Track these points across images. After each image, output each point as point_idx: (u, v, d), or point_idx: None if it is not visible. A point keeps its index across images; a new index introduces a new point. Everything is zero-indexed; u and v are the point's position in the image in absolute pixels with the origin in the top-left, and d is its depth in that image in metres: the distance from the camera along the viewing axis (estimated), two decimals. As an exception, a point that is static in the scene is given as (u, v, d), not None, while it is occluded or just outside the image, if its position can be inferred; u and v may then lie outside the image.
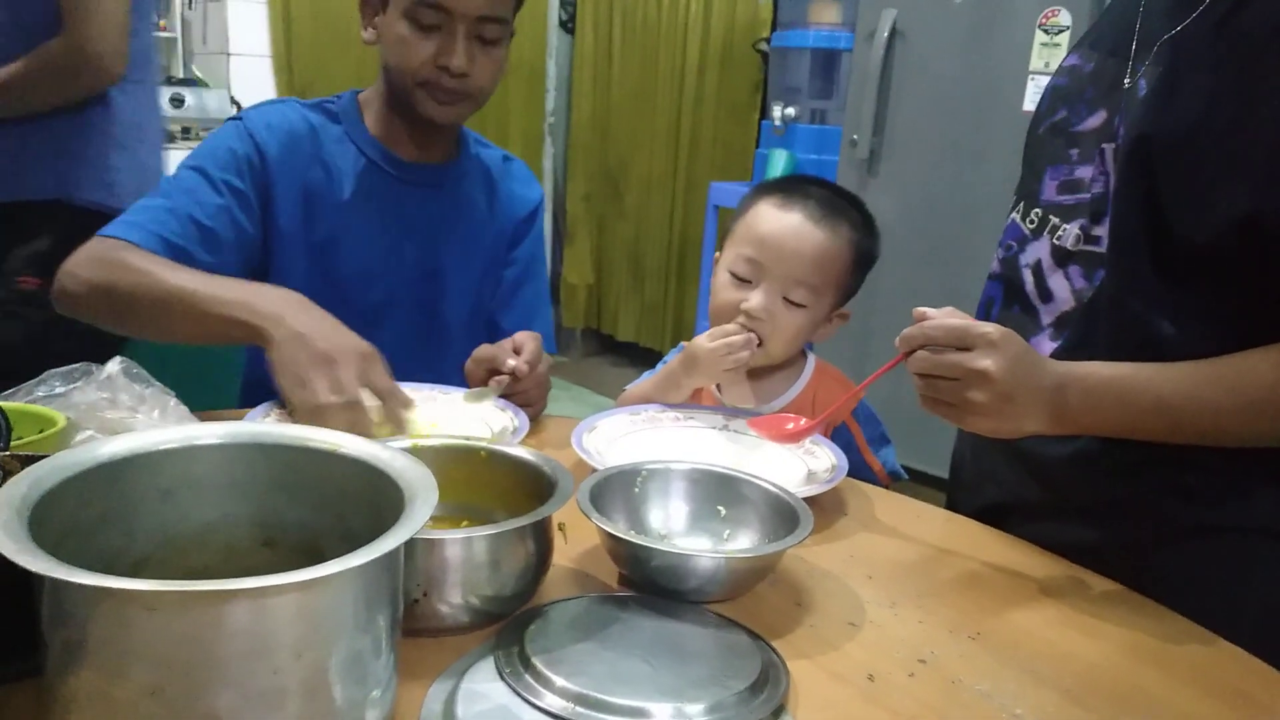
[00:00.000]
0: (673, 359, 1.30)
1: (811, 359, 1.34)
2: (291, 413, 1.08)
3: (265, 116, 1.40)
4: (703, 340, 1.22)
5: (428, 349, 1.46)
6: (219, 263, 1.28)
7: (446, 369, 1.39)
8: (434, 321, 1.49)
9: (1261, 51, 0.85)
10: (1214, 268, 0.90)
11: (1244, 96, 0.86)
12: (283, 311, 1.12)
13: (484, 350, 1.32)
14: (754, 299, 1.23)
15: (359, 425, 1.05)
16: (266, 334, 1.11)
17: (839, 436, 1.27)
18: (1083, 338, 1.00)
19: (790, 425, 1.13)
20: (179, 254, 1.24)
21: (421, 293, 1.47)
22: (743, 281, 1.25)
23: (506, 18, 1.37)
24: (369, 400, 1.08)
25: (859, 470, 1.24)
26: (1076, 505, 1.03)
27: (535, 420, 1.31)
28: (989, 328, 0.90)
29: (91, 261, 1.22)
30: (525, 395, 1.30)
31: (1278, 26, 0.85)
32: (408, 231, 1.45)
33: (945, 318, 0.92)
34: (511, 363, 1.27)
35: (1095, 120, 1.01)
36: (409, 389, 1.25)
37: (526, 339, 1.32)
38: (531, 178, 1.63)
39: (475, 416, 1.24)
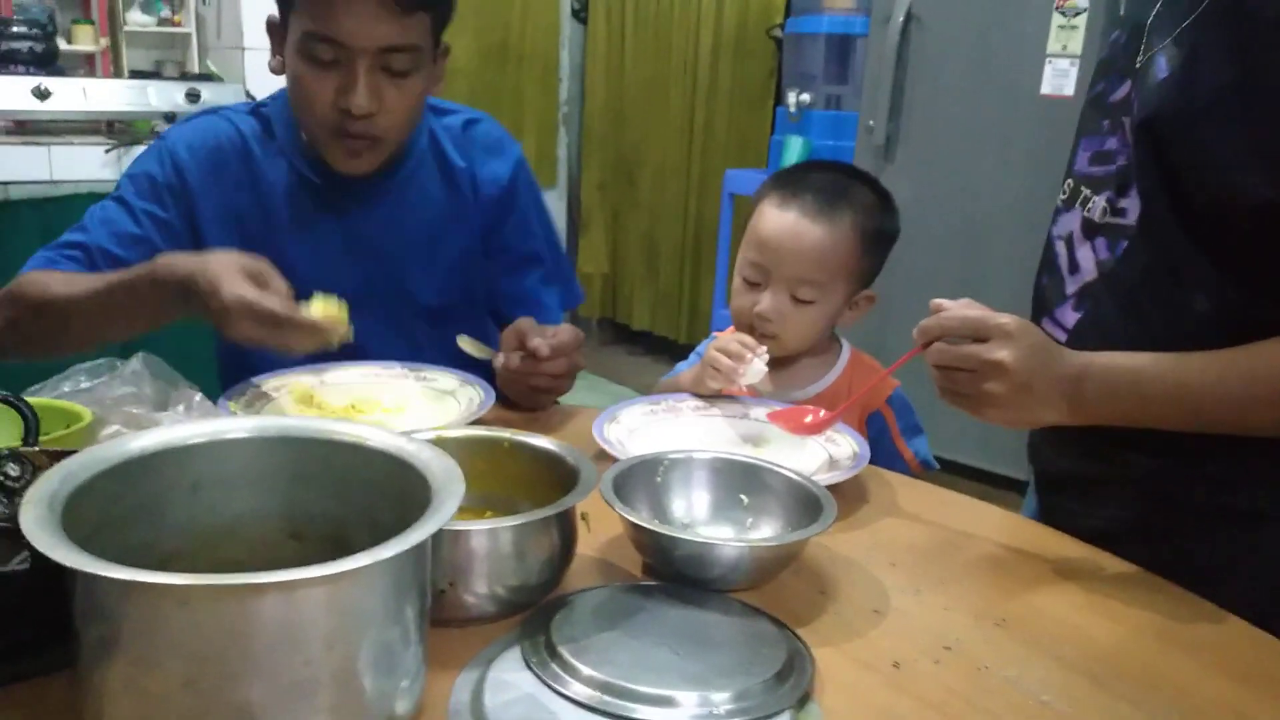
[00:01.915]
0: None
1: (847, 348, 1.35)
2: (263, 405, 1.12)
3: (188, 136, 1.32)
4: (720, 342, 1.22)
5: (402, 348, 1.37)
6: None
7: (428, 359, 1.35)
8: (402, 328, 1.40)
9: (1269, 41, 0.84)
10: (1245, 239, 0.89)
11: (1254, 84, 0.85)
12: (203, 260, 1.07)
13: (523, 322, 1.25)
14: (763, 302, 1.25)
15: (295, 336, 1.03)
16: (195, 277, 1.04)
17: (873, 425, 1.27)
18: (1102, 309, 1.00)
19: (809, 418, 1.13)
20: None
21: (383, 303, 1.37)
22: (753, 285, 1.26)
23: (418, 45, 1.21)
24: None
25: (891, 459, 1.25)
26: (1112, 481, 1.02)
27: (545, 407, 1.31)
28: (1005, 318, 0.90)
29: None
30: (537, 380, 1.24)
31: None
32: (353, 250, 1.35)
33: (962, 309, 0.92)
34: (535, 342, 1.21)
35: (1123, 91, 1.00)
36: (376, 366, 1.29)
37: (566, 333, 1.25)
38: (500, 142, 1.45)
39: (443, 389, 1.26)
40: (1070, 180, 1.07)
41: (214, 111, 1.37)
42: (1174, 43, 0.93)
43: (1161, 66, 0.93)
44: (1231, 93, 0.86)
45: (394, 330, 1.39)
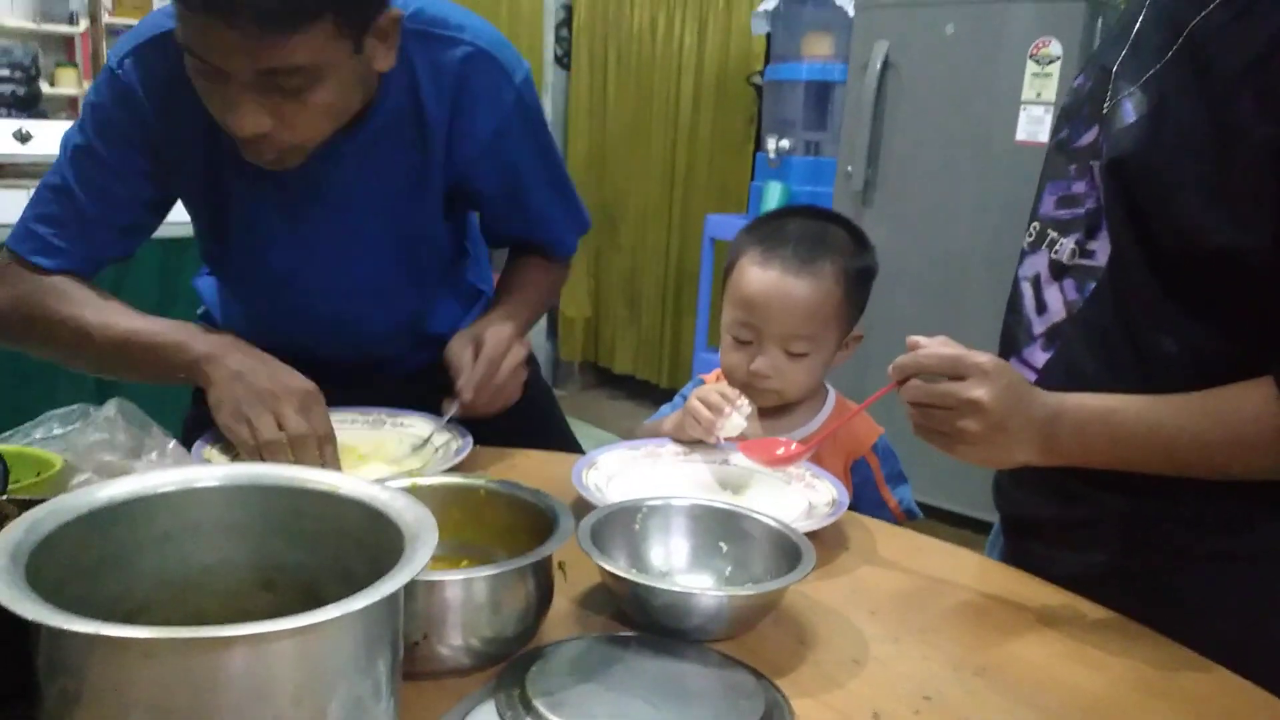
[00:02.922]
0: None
1: (832, 394, 1.34)
2: (237, 450, 1.09)
3: (141, 72, 1.12)
4: (701, 392, 1.22)
5: (343, 323, 1.31)
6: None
7: (376, 332, 1.33)
8: (350, 296, 1.30)
9: (1229, 90, 0.86)
10: (1212, 282, 0.90)
11: (1216, 131, 0.87)
12: (220, 351, 1.11)
13: (451, 352, 1.21)
14: (758, 362, 1.24)
15: (303, 463, 1.03)
16: (205, 374, 1.10)
17: (857, 472, 1.27)
18: (1071, 349, 1.01)
19: (780, 450, 1.13)
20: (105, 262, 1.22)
21: (327, 267, 1.27)
22: (744, 343, 1.26)
23: (313, 63, 0.96)
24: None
25: (875, 507, 1.24)
26: (1083, 524, 1.02)
27: (505, 408, 1.24)
28: (982, 357, 0.90)
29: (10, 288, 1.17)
30: (477, 408, 1.21)
31: (1246, 66, 0.85)
32: (292, 213, 1.21)
33: (938, 346, 0.93)
34: (458, 386, 1.19)
35: (1089, 136, 1.02)
36: (353, 413, 1.27)
37: (488, 341, 1.20)
38: (494, 88, 1.20)
39: (420, 435, 1.25)
40: (1036, 223, 1.08)
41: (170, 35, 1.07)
42: (1140, 89, 0.94)
43: (1128, 111, 0.95)
44: (1196, 138, 0.88)
45: (331, 304, 1.30)
